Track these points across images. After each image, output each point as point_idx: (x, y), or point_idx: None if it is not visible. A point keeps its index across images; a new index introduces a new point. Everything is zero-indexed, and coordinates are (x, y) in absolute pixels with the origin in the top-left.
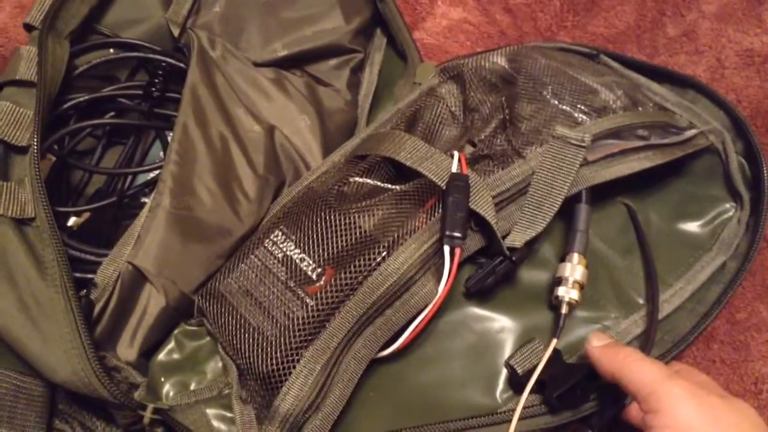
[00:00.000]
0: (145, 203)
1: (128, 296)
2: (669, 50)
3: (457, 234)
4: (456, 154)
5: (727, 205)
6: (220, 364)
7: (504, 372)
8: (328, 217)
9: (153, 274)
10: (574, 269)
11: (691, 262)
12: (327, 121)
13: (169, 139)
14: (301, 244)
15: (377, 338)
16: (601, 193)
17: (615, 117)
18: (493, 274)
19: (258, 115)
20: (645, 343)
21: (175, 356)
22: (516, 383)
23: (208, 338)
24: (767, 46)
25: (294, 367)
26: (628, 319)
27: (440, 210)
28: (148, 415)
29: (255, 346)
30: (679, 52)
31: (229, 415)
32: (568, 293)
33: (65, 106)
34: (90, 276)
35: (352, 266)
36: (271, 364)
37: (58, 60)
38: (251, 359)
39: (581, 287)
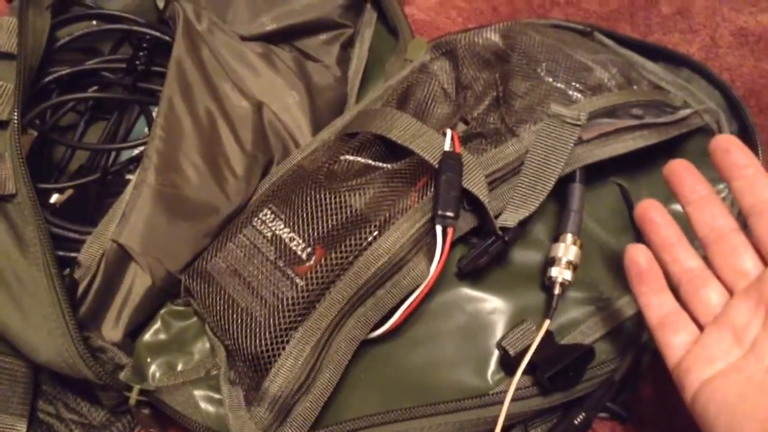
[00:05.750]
0: (129, 180)
1: (113, 275)
2: (663, 28)
3: (449, 213)
4: (449, 132)
5: (721, 186)
6: (207, 345)
7: (496, 353)
8: (318, 196)
9: (138, 253)
10: (568, 249)
11: None
12: (316, 98)
13: (154, 114)
14: (291, 223)
15: (368, 319)
16: (594, 174)
17: (610, 95)
18: (485, 255)
19: (245, 90)
20: (639, 323)
21: (162, 337)
22: (508, 365)
23: (195, 318)
24: (762, 25)
25: (283, 348)
26: (621, 299)
27: (432, 189)
28: (134, 396)
29: (243, 326)
30: (673, 30)
31: (217, 396)
32: (561, 274)
33: (47, 79)
34: (73, 254)
35: (342, 246)
36: (260, 345)
37: (38, 31)
38: (240, 340)
39: (574, 268)
